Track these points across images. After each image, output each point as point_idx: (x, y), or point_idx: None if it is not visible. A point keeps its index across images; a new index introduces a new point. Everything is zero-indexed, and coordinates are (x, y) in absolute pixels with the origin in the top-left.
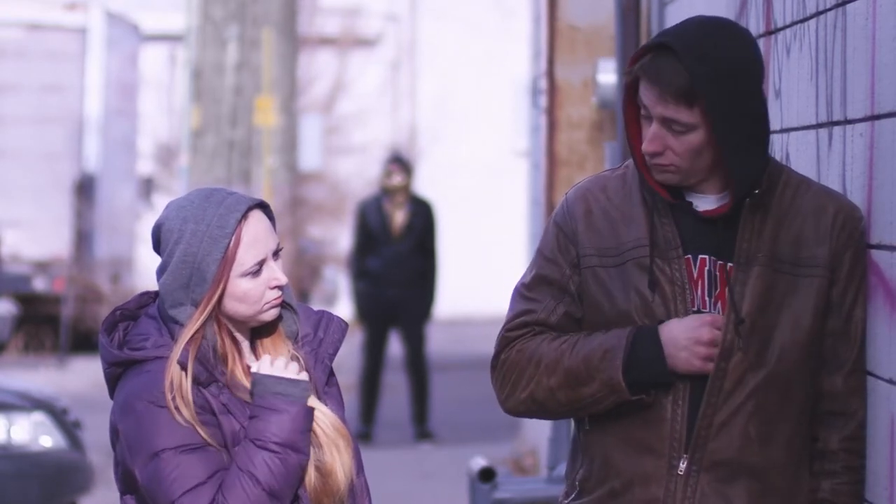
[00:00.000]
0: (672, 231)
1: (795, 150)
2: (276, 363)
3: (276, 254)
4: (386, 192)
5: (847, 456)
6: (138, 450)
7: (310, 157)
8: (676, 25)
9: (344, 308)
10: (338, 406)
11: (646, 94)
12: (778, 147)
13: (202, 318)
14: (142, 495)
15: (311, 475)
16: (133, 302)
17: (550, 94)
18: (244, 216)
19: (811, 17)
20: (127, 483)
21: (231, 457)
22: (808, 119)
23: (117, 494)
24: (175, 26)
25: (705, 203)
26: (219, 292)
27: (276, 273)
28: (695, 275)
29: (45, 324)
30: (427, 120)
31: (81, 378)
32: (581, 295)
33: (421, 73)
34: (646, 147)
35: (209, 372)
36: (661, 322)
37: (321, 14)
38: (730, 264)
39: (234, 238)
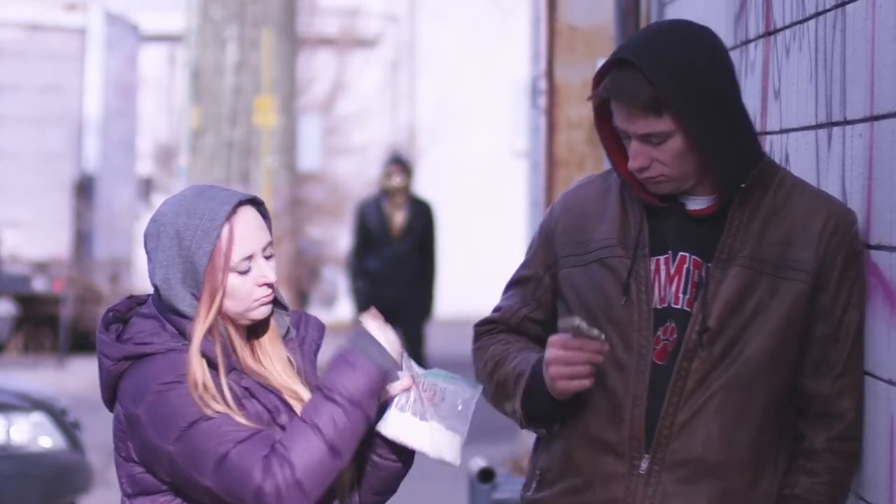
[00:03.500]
0: (642, 230)
1: (795, 151)
2: (382, 327)
3: (266, 252)
4: (386, 193)
5: (831, 457)
6: (170, 425)
7: (309, 157)
8: (633, 37)
9: (343, 308)
10: None
11: (617, 115)
12: (778, 147)
13: (214, 308)
14: (159, 494)
15: None
16: (122, 305)
17: (550, 95)
18: (234, 210)
19: (811, 17)
20: (140, 483)
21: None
22: (807, 119)
23: (117, 494)
24: (175, 26)
25: (696, 203)
26: (221, 281)
27: (264, 271)
28: (672, 271)
29: (44, 324)
30: (427, 120)
31: (81, 378)
32: (556, 296)
33: (420, 74)
34: (631, 165)
35: (228, 360)
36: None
37: (320, 14)
38: (708, 264)
39: (223, 230)
